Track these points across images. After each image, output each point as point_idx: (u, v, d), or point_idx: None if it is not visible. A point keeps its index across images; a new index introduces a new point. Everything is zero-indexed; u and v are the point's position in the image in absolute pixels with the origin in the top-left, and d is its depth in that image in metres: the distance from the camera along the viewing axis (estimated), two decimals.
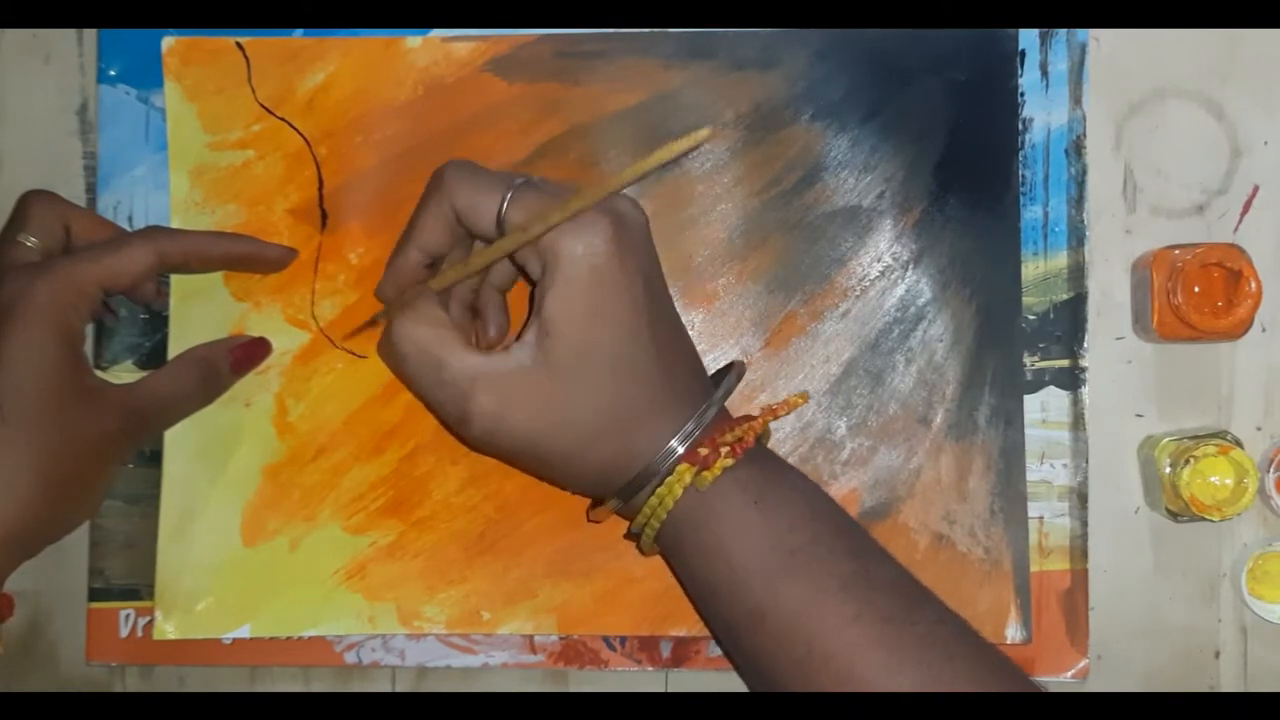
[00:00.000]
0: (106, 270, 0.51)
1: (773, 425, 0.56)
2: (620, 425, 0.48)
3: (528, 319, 0.48)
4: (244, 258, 0.56)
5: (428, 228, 0.50)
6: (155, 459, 0.56)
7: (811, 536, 0.47)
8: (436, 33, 0.57)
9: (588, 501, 0.53)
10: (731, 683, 0.56)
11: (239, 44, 0.58)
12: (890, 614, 0.46)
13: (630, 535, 0.51)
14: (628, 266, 0.47)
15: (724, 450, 0.47)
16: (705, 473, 0.47)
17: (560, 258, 0.46)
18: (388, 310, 0.52)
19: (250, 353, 0.56)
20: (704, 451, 0.47)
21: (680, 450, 0.48)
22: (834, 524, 0.49)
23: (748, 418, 0.49)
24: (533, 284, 0.49)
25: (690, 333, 0.56)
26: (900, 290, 0.56)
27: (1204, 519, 0.53)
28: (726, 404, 0.50)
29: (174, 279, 0.57)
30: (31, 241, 0.52)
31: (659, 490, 0.48)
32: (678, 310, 0.51)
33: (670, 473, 0.47)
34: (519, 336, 0.48)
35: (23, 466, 0.48)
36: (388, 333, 0.50)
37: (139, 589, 0.57)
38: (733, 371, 0.51)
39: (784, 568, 0.47)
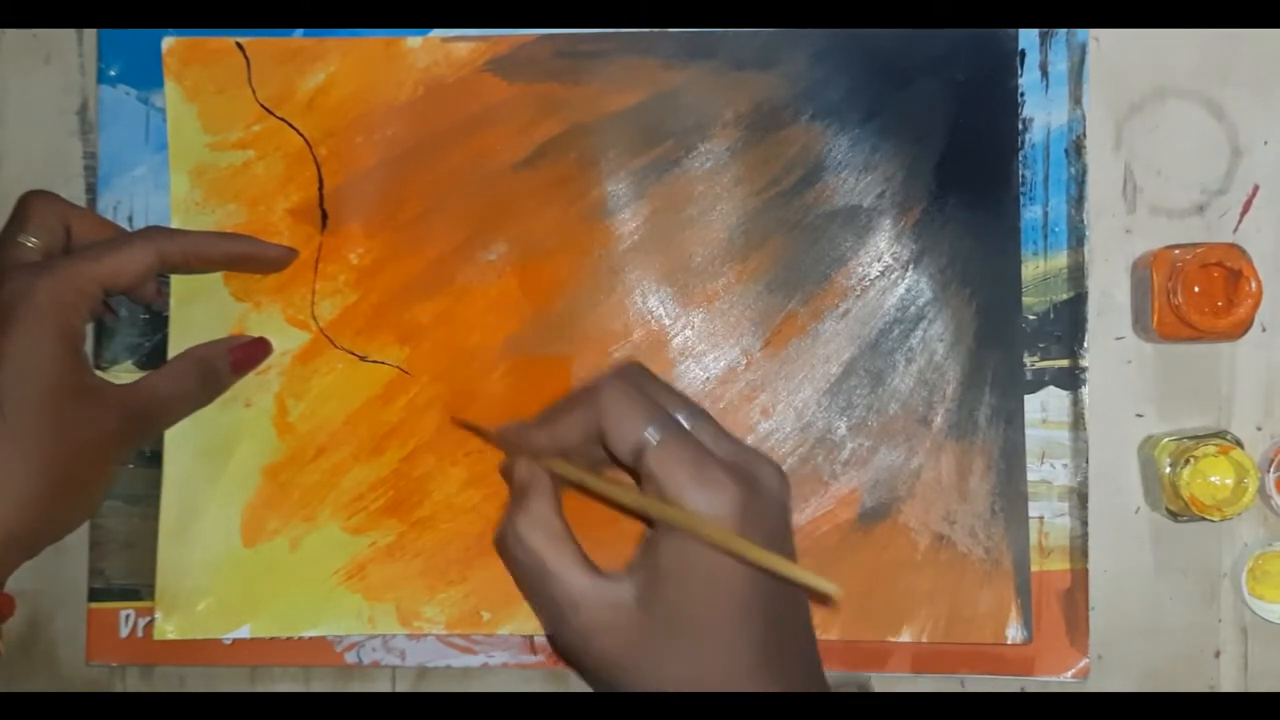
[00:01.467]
0: (107, 270, 0.51)
1: (772, 425, 0.56)
2: (705, 688, 0.46)
3: (643, 547, 0.47)
4: (244, 257, 0.56)
5: (569, 428, 0.49)
6: (155, 459, 0.56)
7: None
8: (436, 33, 0.57)
9: (587, 502, 0.52)
10: None
11: (239, 44, 0.58)
12: None
13: None
14: (750, 538, 0.45)
15: None
16: None
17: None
18: (497, 445, 0.52)
19: (250, 353, 0.56)
20: None
21: None
22: None
23: None
24: (651, 524, 0.48)
25: (690, 333, 0.56)
26: (900, 290, 0.56)
27: (1204, 519, 0.53)
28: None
29: (174, 279, 0.57)
30: (32, 242, 0.52)
31: None
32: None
33: None
34: (630, 567, 0.47)
35: (22, 465, 0.48)
36: (505, 528, 0.49)
37: (139, 589, 0.57)
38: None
39: None
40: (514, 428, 0.51)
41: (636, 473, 0.47)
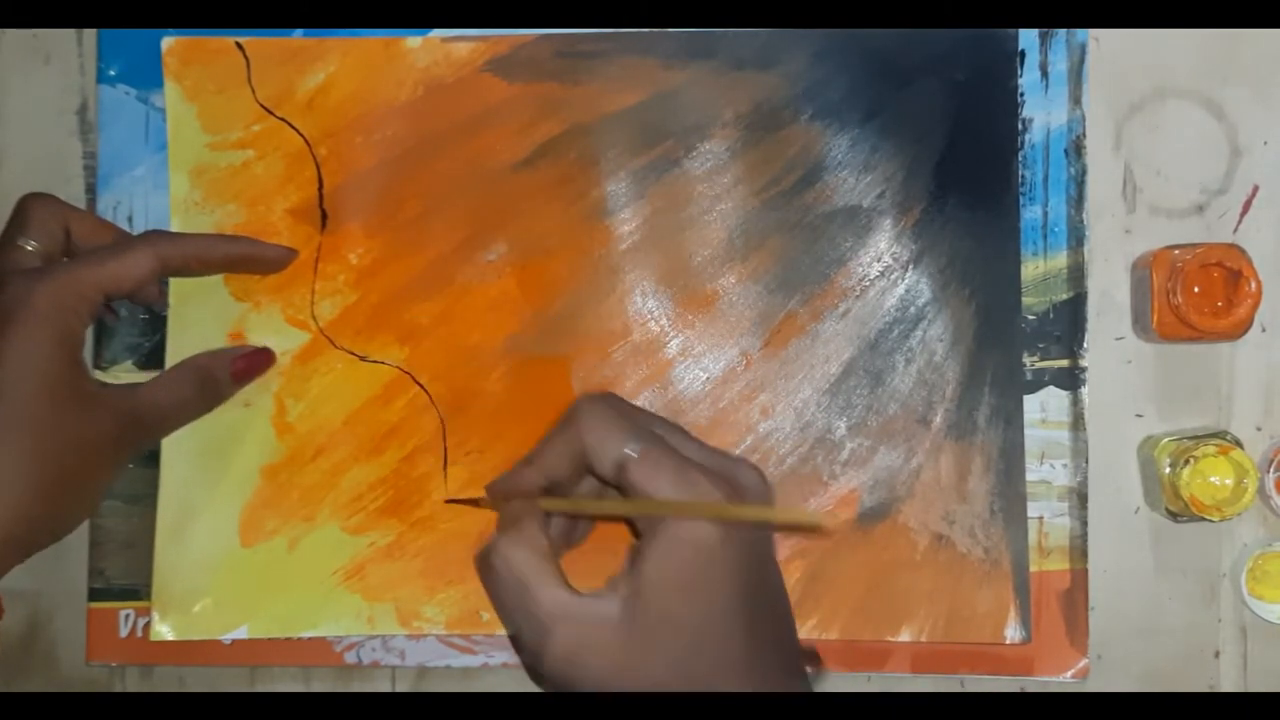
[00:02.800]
0: (108, 275, 0.51)
1: (772, 425, 0.56)
2: (693, 692, 0.46)
3: (627, 561, 0.47)
4: (244, 259, 0.56)
5: (554, 456, 0.49)
6: (154, 459, 0.56)
7: None
8: (436, 33, 0.57)
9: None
10: None
11: (239, 44, 0.58)
12: None
13: None
14: (733, 549, 0.46)
15: None
16: None
17: (665, 524, 0.46)
18: (493, 506, 0.52)
19: (252, 363, 0.56)
20: None
21: None
22: None
23: None
24: (637, 534, 0.48)
25: (690, 333, 0.56)
26: (900, 290, 0.56)
27: (1204, 519, 0.53)
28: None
29: (174, 279, 0.57)
30: (31, 245, 0.52)
31: None
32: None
33: None
34: (612, 583, 0.47)
35: (19, 468, 0.48)
36: (489, 546, 0.48)
37: (139, 589, 0.57)
38: (811, 661, 0.50)
39: None
40: (503, 475, 0.51)
41: (622, 488, 0.47)
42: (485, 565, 0.48)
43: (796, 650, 0.50)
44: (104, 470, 0.52)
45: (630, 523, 0.50)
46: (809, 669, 0.50)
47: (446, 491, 0.56)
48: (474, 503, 0.55)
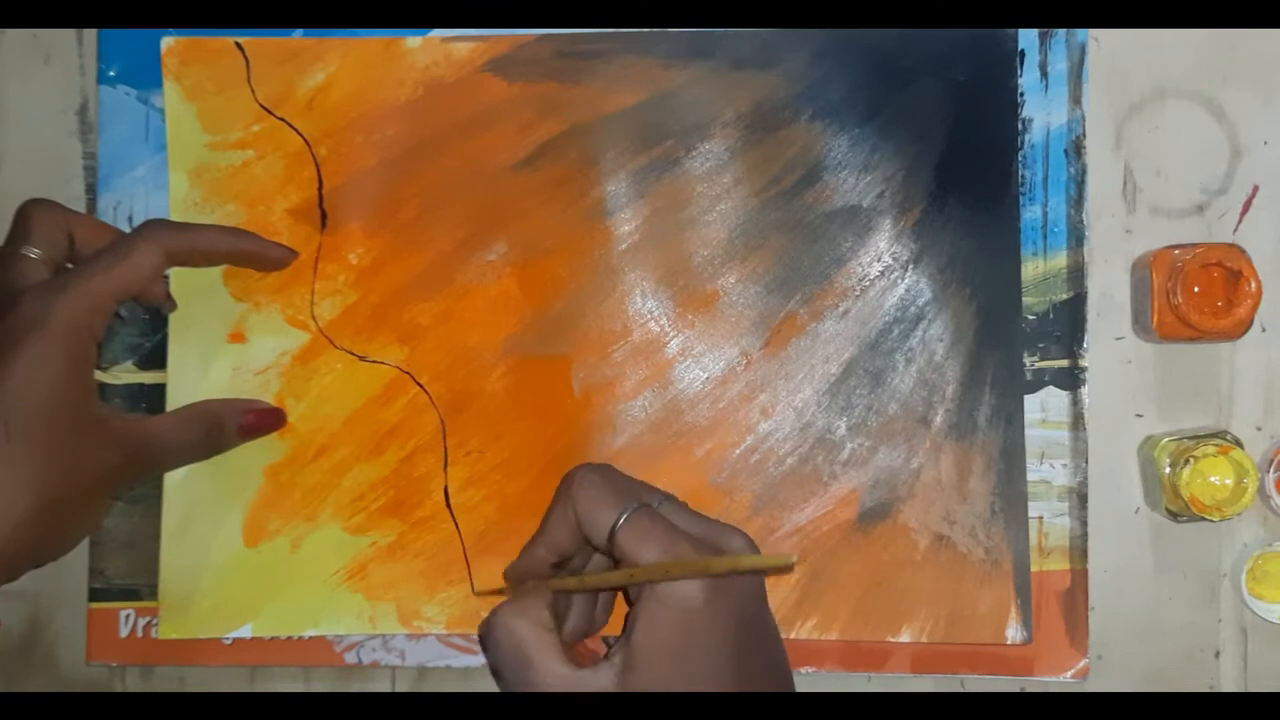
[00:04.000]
0: (118, 281, 0.51)
1: (772, 425, 0.56)
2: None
3: (622, 633, 0.48)
4: (247, 254, 0.56)
5: (555, 529, 0.50)
6: None
7: None
8: (436, 33, 0.57)
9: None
10: None
11: (238, 44, 0.58)
12: None
13: None
14: (720, 611, 0.46)
15: None
16: None
17: (654, 591, 0.46)
18: (513, 591, 0.52)
19: (262, 420, 0.56)
20: None
21: None
22: None
23: None
24: (630, 603, 0.49)
25: (690, 333, 0.56)
26: (900, 290, 0.56)
27: (1204, 519, 0.53)
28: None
29: (174, 279, 0.57)
30: (35, 253, 0.52)
31: None
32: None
33: None
34: (609, 654, 0.47)
35: (20, 487, 0.48)
36: (492, 616, 0.49)
37: (139, 589, 0.57)
38: None
39: None
40: (517, 559, 0.52)
41: (614, 558, 0.48)
42: (488, 635, 0.49)
43: (790, 687, 0.50)
44: (99, 498, 0.52)
45: (626, 597, 0.51)
46: None
47: (447, 488, 0.56)
48: (499, 592, 0.55)
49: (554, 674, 0.47)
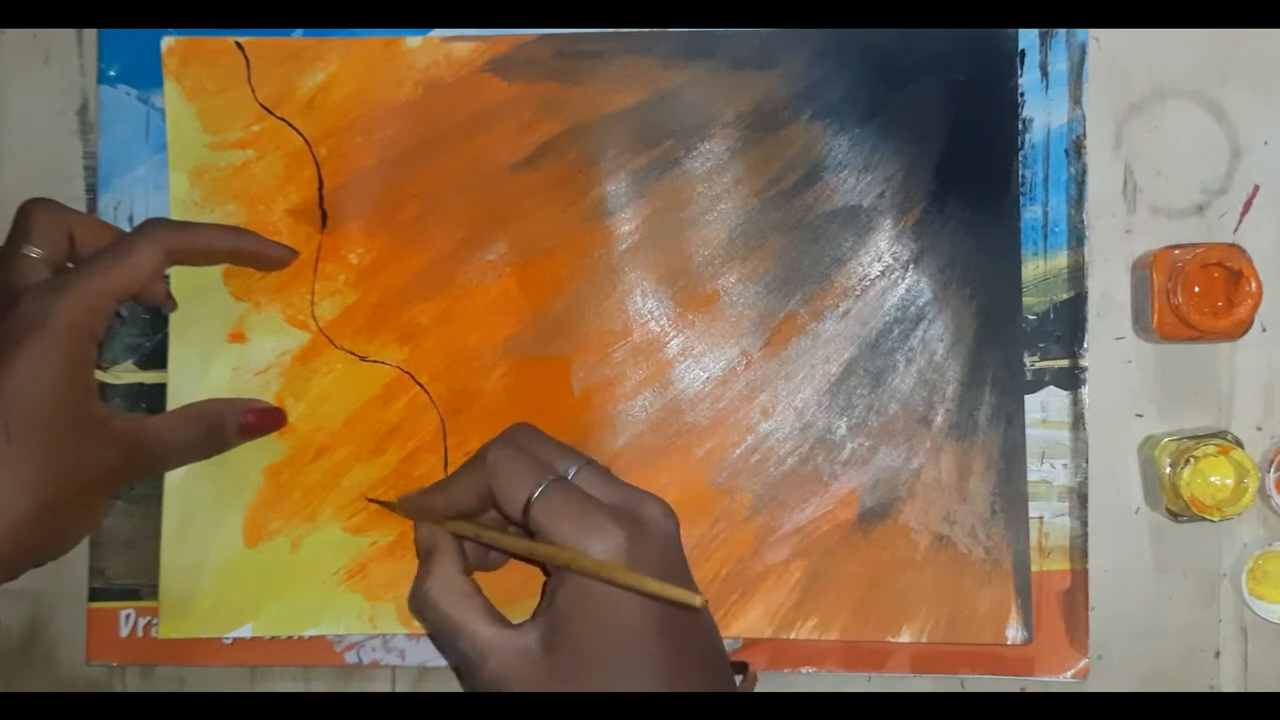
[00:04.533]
0: (119, 280, 0.51)
1: (772, 425, 0.56)
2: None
3: (542, 595, 0.49)
4: (247, 254, 0.56)
5: (462, 492, 0.50)
6: None
7: None
8: (436, 33, 0.57)
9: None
10: None
11: (239, 44, 0.58)
12: None
13: None
14: (641, 571, 0.46)
15: None
16: None
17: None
18: (405, 515, 0.54)
19: (262, 419, 0.56)
20: None
21: None
22: None
23: None
24: (547, 572, 0.49)
25: (690, 333, 0.56)
26: (900, 290, 0.56)
27: (1204, 519, 0.53)
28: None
29: (174, 279, 0.57)
30: (36, 253, 0.52)
31: None
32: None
33: None
34: (534, 615, 0.48)
35: (20, 487, 0.48)
36: (414, 590, 0.50)
37: (139, 589, 0.57)
38: (743, 673, 0.51)
39: None
40: (412, 494, 0.53)
41: (527, 530, 0.48)
42: (415, 609, 0.51)
43: (723, 660, 0.50)
44: (99, 498, 0.52)
45: (543, 564, 0.51)
46: (738, 678, 0.50)
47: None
48: (390, 505, 0.55)
49: (483, 636, 0.48)
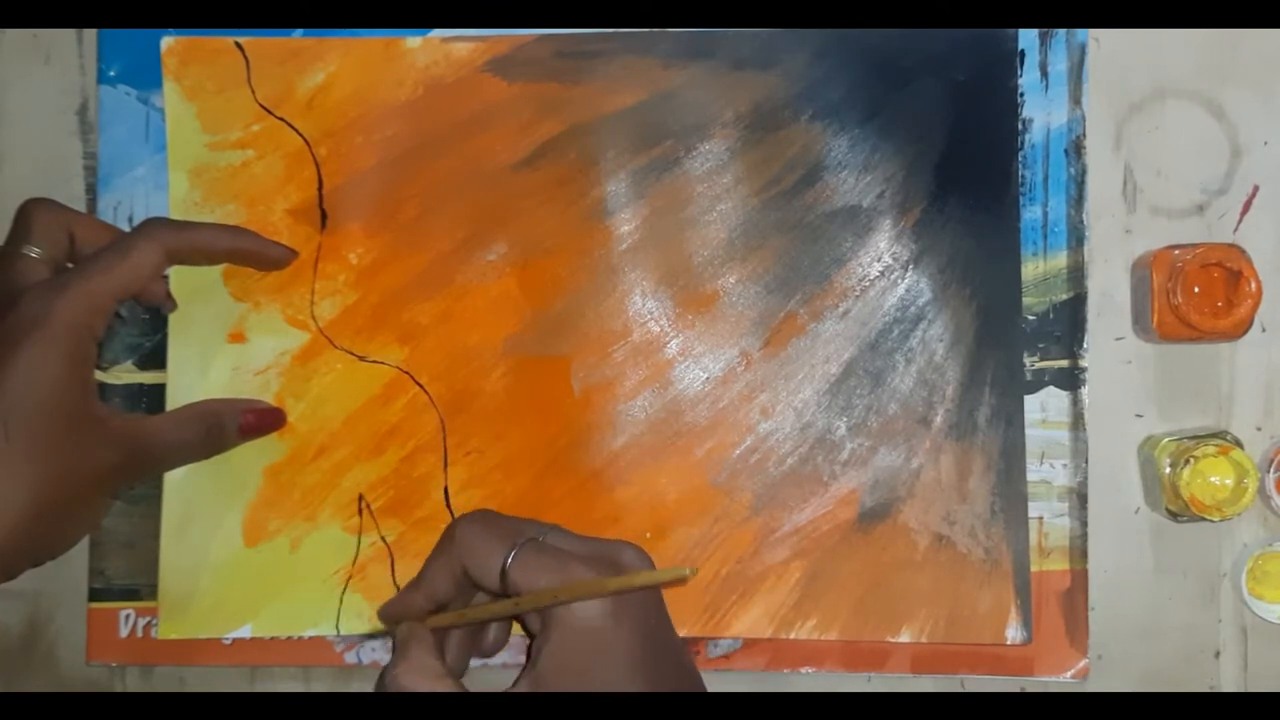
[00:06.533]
0: (119, 280, 0.51)
1: (772, 426, 0.56)
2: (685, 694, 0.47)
3: (526, 663, 0.48)
4: (247, 253, 0.56)
5: (436, 579, 0.50)
6: None
7: None
8: (436, 33, 0.57)
9: (588, 504, 0.53)
10: (731, 683, 0.56)
11: (238, 44, 0.58)
12: None
13: None
14: (624, 626, 0.46)
15: None
16: None
17: (557, 618, 0.46)
18: (387, 630, 0.52)
19: (262, 419, 0.56)
20: None
21: None
22: None
23: None
24: (531, 636, 0.49)
25: (690, 333, 0.56)
26: (900, 290, 0.56)
27: (1204, 519, 0.53)
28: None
29: (174, 278, 0.57)
30: (35, 253, 0.52)
31: None
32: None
33: None
34: (515, 684, 0.47)
35: (19, 487, 0.48)
36: (385, 678, 0.49)
37: (139, 589, 0.57)
38: None
39: None
40: (392, 600, 0.52)
41: (507, 595, 0.48)
42: (384, 692, 0.49)
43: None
44: (98, 498, 0.52)
45: (527, 629, 0.51)
46: None
47: (447, 488, 0.56)
48: (371, 636, 0.55)
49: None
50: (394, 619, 0.51)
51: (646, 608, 0.48)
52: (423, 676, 0.48)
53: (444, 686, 0.47)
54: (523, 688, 0.47)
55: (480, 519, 0.50)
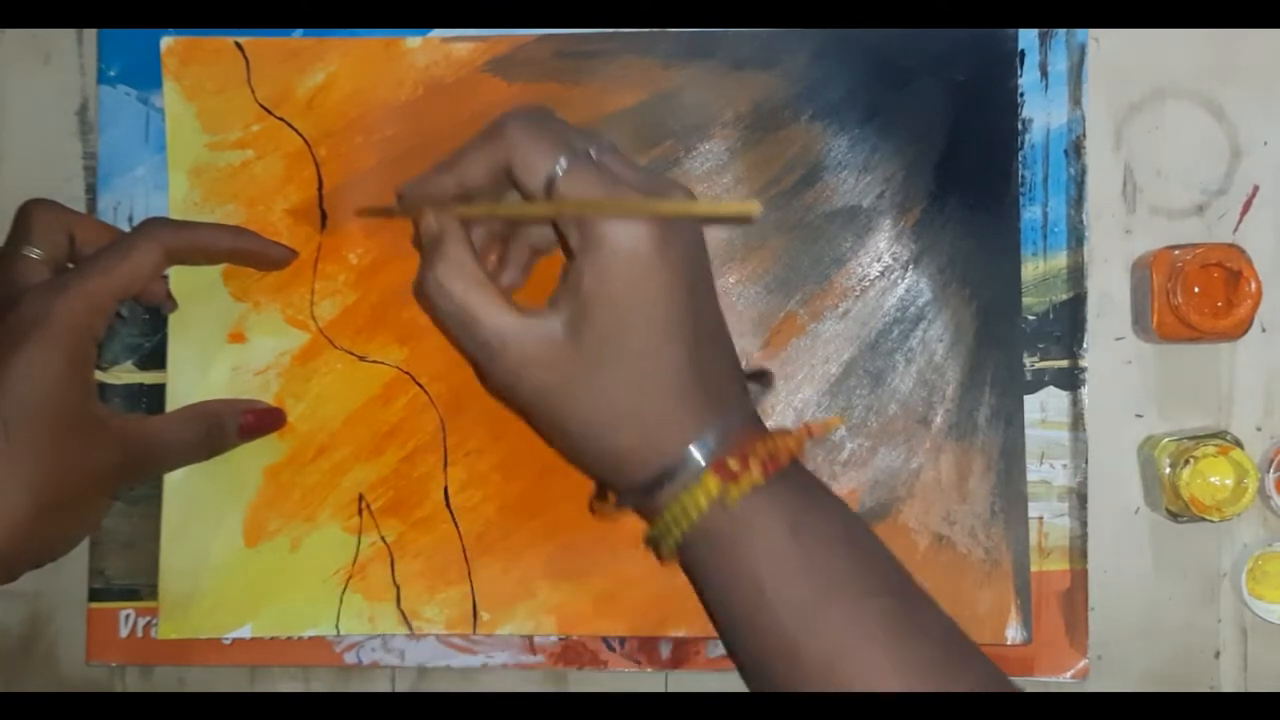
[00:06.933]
0: (119, 281, 0.51)
1: (772, 426, 0.56)
2: (642, 415, 0.46)
3: (563, 280, 0.47)
4: (247, 253, 0.56)
5: (474, 166, 0.48)
6: None
7: (850, 570, 0.45)
8: (436, 33, 0.57)
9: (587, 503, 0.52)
10: (731, 683, 0.56)
11: (238, 44, 0.58)
12: (934, 666, 0.44)
13: (648, 541, 0.48)
14: (670, 256, 0.45)
15: (755, 466, 0.45)
16: (733, 487, 0.45)
17: (604, 236, 0.45)
18: (405, 213, 0.50)
19: (261, 420, 0.56)
20: (733, 464, 0.45)
21: (704, 456, 0.46)
22: (874, 557, 0.47)
23: (784, 431, 0.47)
24: (571, 255, 0.47)
25: None
26: (900, 290, 0.56)
27: (1204, 519, 0.53)
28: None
29: (174, 278, 0.57)
30: (36, 253, 0.52)
31: (682, 498, 0.46)
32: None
33: (695, 481, 0.45)
34: (552, 301, 0.46)
35: (19, 488, 0.48)
36: (422, 277, 0.48)
37: (139, 589, 0.57)
38: (763, 381, 0.50)
39: (821, 604, 0.45)
40: (415, 180, 0.50)
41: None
42: (424, 297, 0.48)
43: (738, 367, 0.49)
44: (98, 498, 0.52)
45: (565, 247, 0.48)
46: (757, 387, 0.49)
47: (447, 488, 0.56)
48: (384, 210, 0.53)
49: (502, 323, 0.46)
50: (417, 200, 0.49)
51: (691, 246, 0.46)
52: (466, 281, 0.47)
53: (487, 295, 0.46)
54: (563, 314, 0.46)
55: (534, 117, 0.47)
